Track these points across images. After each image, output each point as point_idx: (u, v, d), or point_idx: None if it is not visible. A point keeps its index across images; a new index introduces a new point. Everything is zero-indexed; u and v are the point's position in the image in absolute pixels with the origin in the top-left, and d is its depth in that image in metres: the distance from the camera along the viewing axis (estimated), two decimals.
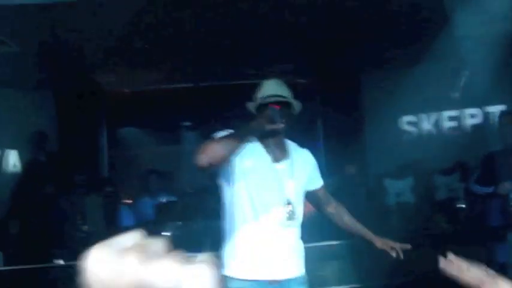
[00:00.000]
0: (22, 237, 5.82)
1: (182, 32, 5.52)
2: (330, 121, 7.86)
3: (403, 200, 6.89)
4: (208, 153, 2.37)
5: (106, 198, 6.22)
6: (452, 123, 7.84)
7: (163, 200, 6.41)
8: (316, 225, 3.04)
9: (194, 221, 5.48)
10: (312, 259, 2.85)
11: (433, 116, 7.91)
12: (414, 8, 5.33)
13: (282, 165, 2.65)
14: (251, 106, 2.69)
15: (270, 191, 2.58)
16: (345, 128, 7.40)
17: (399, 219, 6.34)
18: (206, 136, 2.67)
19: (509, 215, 3.94)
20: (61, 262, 5.07)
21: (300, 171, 2.71)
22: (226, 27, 5.46)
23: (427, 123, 7.95)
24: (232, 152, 2.42)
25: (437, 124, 7.90)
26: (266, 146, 2.63)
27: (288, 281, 2.55)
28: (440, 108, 7.84)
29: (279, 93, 2.63)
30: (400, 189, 6.94)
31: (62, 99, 7.28)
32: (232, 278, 2.52)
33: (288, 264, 2.58)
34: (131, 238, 0.45)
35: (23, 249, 5.67)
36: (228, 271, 2.56)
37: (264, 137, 2.62)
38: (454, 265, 0.73)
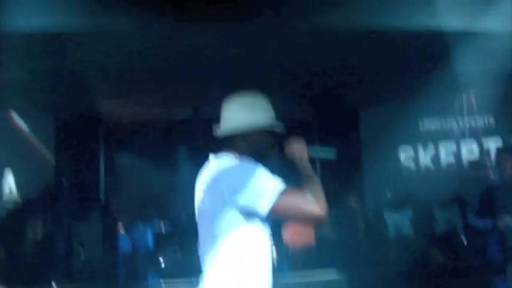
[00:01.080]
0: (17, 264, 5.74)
1: (183, 61, 5.56)
2: None
3: (401, 233, 6.87)
4: (325, 204, 1.97)
5: (104, 225, 6.18)
6: (450, 157, 7.88)
7: (160, 227, 6.38)
8: None
9: (192, 248, 5.42)
10: None
11: (431, 150, 7.96)
12: (412, 44, 5.37)
13: None
14: (250, 130, 2.13)
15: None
16: (342, 161, 7.39)
17: (398, 252, 6.31)
18: (201, 164, 2.18)
19: (508, 249, 3.93)
20: None
21: None
22: (228, 59, 5.49)
23: (425, 157, 7.99)
24: None
25: (435, 158, 7.94)
26: None
27: None
28: (438, 142, 7.89)
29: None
30: (398, 222, 6.93)
31: (62, 126, 7.32)
32: None
33: None
34: None
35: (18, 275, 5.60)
36: None
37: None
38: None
